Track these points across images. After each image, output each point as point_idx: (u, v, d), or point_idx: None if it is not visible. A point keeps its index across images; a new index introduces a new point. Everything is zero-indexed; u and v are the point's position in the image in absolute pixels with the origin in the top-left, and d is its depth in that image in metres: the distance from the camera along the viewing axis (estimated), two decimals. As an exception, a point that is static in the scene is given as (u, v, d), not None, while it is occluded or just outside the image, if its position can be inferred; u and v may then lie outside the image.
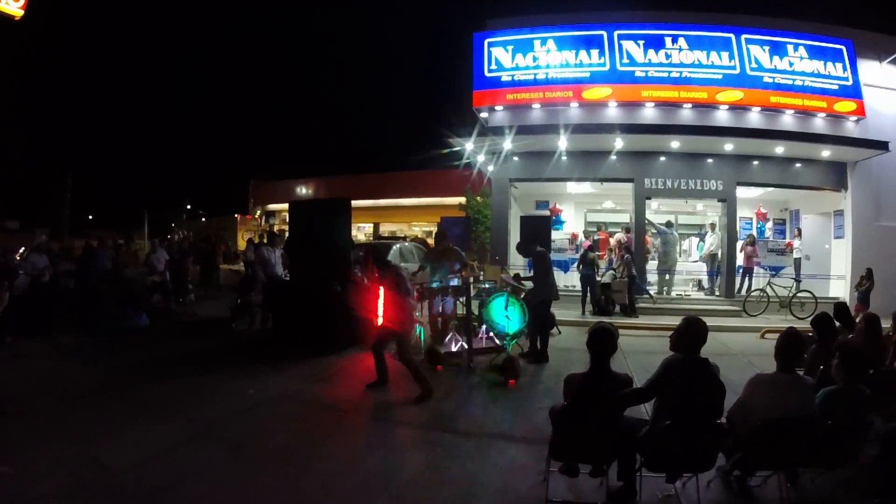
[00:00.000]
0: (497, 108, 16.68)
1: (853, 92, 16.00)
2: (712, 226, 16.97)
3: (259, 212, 43.04)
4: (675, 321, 4.38)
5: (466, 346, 8.98)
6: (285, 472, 4.91)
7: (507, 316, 9.07)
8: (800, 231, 17.11)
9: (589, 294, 14.21)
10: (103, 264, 13.45)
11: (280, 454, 5.28)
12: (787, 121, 15.95)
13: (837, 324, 6.47)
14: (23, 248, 16.07)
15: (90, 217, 61.69)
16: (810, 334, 5.94)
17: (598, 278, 14.29)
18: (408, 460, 5.27)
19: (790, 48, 16.00)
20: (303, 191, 38.69)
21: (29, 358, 9.08)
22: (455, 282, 9.91)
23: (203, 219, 53.85)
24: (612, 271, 14.59)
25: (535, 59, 16.43)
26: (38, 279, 11.57)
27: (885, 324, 6.40)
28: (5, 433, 5.23)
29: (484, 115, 16.77)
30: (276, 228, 37.69)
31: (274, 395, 7.22)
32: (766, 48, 15.91)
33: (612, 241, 16.88)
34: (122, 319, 11.76)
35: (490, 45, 16.77)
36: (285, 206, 32.84)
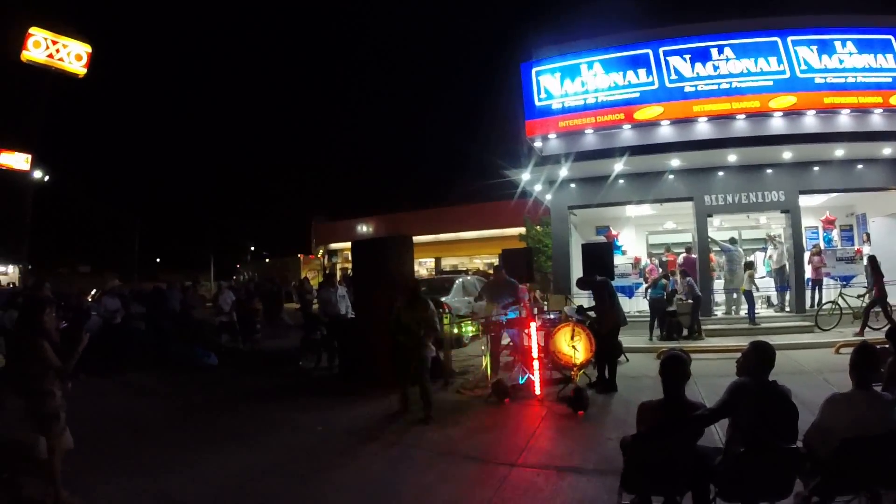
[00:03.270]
0: (550, 136, 16.69)
1: (908, 82, 15.38)
2: (772, 239, 16.51)
3: (322, 251, 43.84)
4: (744, 341, 4.33)
5: (533, 379, 8.94)
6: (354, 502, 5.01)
7: (573, 346, 9.01)
8: (868, 236, 16.39)
9: (657, 319, 13.99)
10: (173, 306, 13.98)
11: (349, 492, 5.38)
12: (844, 121, 15.35)
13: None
14: (94, 291, 16.83)
15: (158, 260, 63.93)
16: (886, 346, 5.77)
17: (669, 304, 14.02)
18: (477, 496, 5.25)
19: (838, 45, 15.46)
20: (363, 228, 39.32)
21: (101, 395, 9.58)
22: (514, 314, 9.92)
23: (267, 259, 55.16)
24: (676, 295, 14.29)
25: (583, 83, 16.42)
26: (111, 321, 12.12)
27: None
28: (76, 465, 5.41)
29: (538, 144, 16.79)
30: (338, 266, 38.38)
31: (342, 431, 7.39)
32: (814, 48, 15.43)
33: (677, 262, 16.60)
34: (192, 359, 12.19)
35: (538, 73, 16.85)
36: (347, 244, 33.52)
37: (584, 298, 12.91)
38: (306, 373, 11.72)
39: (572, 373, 9.06)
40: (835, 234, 17.89)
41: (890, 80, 15.30)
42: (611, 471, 4.92)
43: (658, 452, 4.01)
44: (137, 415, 8.34)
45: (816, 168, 15.59)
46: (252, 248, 62.91)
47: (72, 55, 19.71)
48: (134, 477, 5.66)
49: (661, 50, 15.99)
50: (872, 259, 13.29)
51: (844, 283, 14.51)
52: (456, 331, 13.00)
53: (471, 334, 14.22)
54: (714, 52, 15.75)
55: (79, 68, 19.94)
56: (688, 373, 4.26)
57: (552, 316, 10.72)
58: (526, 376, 9.30)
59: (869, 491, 4.18)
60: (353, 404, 8.72)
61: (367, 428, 7.52)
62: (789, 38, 15.46)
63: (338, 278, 21.39)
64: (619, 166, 15.20)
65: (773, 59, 15.46)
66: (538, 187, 16.79)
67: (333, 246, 43.23)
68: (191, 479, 5.61)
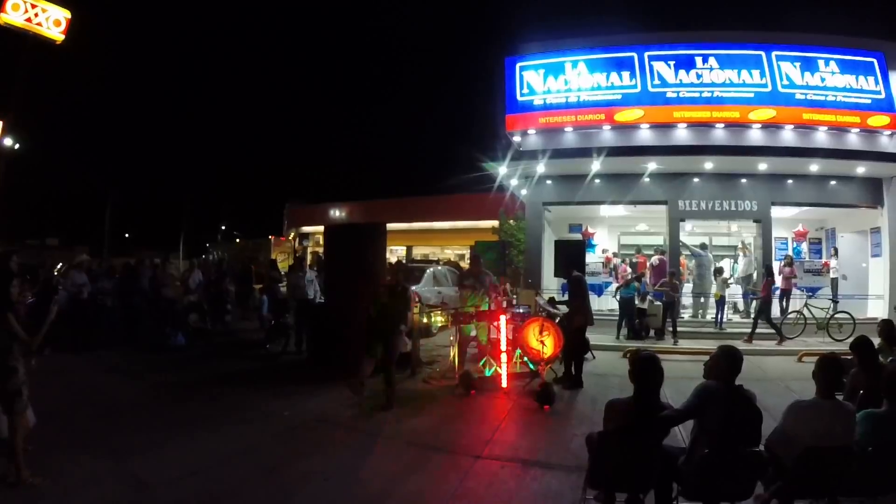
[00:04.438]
0: (530, 131, 16.74)
1: (887, 105, 15.74)
2: (743, 247, 16.80)
3: (293, 234, 43.48)
4: (711, 344, 4.38)
5: (500, 372, 8.98)
6: (321, 495, 4.98)
7: (541, 341, 9.03)
8: (836, 250, 16.70)
9: (626, 319, 14.13)
10: (143, 284, 13.76)
11: (314, 477, 5.34)
12: (821, 138, 15.72)
13: (878, 342, 6.39)
14: (60, 265, 16.48)
15: (127, 235, 62.87)
16: (849, 357, 5.88)
17: (638, 303, 14.16)
18: (441, 487, 5.22)
19: (821, 63, 15.83)
20: (336, 214, 38.99)
21: (68, 372, 9.39)
22: (485, 306, 9.93)
23: (238, 240, 54.59)
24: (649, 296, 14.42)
25: (566, 82, 16.51)
26: (77, 296, 11.89)
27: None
28: (39, 444, 5.32)
29: (517, 138, 16.82)
30: (310, 250, 38.03)
31: (310, 417, 7.33)
32: (797, 64, 15.77)
33: (649, 264, 16.77)
34: (161, 338, 12.03)
35: (522, 69, 16.90)
36: (319, 228, 33.20)
37: (553, 294, 13.04)
38: (274, 357, 11.61)
39: (539, 367, 9.09)
40: (804, 246, 18.21)
41: (869, 101, 15.71)
42: (576, 466, 4.96)
43: (625, 451, 4.03)
44: (104, 394, 8.17)
45: (790, 181, 15.90)
46: (223, 228, 62.26)
47: (50, 20, 19.19)
48: (99, 457, 5.54)
49: (646, 54, 16.14)
50: (768, 267, 14.23)
51: (811, 294, 14.81)
52: (425, 320, 12.98)
53: (439, 325, 14.22)
54: (699, 60, 15.95)
55: (56, 34, 19.43)
56: (661, 376, 4.30)
57: (521, 310, 10.73)
58: (493, 369, 9.32)
59: (828, 498, 4.27)
60: (321, 391, 8.63)
61: (335, 415, 7.46)
62: (773, 53, 15.76)
63: (308, 262, 21.26)
64: (596, 166, 15.30)
65: (756, 72, 15.74)
66: (514, 182, 16.83)
67: (306, 229, 42.79)
68: (158, 462, 5.51)
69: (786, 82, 15.67)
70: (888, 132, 15.76)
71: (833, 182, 15.90)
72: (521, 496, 5.07)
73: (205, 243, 56.74)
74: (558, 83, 16.55)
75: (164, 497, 4.83)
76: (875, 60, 15.91)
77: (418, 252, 37.58)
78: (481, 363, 9.68)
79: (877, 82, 15.79)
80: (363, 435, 6.74)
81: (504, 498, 5.02)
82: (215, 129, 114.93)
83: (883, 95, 15.76)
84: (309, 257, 29.88)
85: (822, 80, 15.75)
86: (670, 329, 13.72)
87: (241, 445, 6.15)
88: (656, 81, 15.99)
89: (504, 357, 8.93)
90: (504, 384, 8.83)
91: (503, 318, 9.08)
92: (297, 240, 43.01)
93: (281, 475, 5.39)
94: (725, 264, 17.25)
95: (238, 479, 5.24)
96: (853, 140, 15.82)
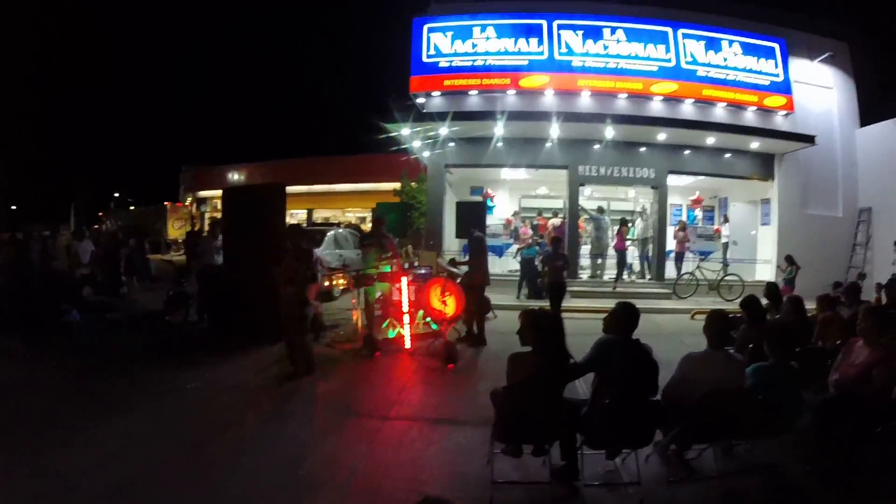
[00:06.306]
0: (434, 94, 16.63)
1: (784, 88, 16.75)
2: (642, 212, 17.44)
3: (190, 199, 41.84)
4: (607, 304, 4.49)
5: (403, 333, 8.97)
6: (237, 464, 4.84)
7: (444, 301, 9.07)
8: (727, 218, 17.68)
9: (527, 280, 14.36)
10: (33, 258, 12.86)
11: (228, 448, 5.18)
12: (719, 113, 16.52)
13: (765, 302, 6.76)
14: None
15: (14, 208, 58.73)
16: (739, 315, 6.17)
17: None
18: (353, 449, 5.17)
19: (725, 44, 16.56)
20: (235, 177, 37.76)
21: None
22: (388, 268, 9.85)
23: (132, 207, 52.11)
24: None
25: (473, 45, 16.46)
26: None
27: (810, 305, 6.68)
28: None
29: (421, 100, 16.70)
30: (207, 216, 36.79)
31: (221, 387, 7.03)
32: (702, 43, 16.41)
33: (549, 225, 17.11)
34: (55, 315, 11.22)
35: (430, 30, 16.71)
36: (217, 192, 31.98)
37: (454, 255, 13.11)
38: (176, 328, 11.08)
39: (442, 327, 9.13)
40: (698, 212, 19.07)
41: (768, 82, 16.71)
42: (482, 421, 4.94)
43: (528, 403, 4.07)
44: (1, 382, 7.53)
45: (688, 152, 16.56)
46: (116, 195, 59.16)
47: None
48: (7, 452, 5.02)
49: (555, 22, 16.32)
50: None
51: (703, 257, 15.56)
52: (327, 284, 12.76)
53: (341, 288, 14.04)
54: (606, 31, 16.29)
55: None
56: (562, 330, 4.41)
57: (423, 271, 10.73)
58: (396, 330, 9.29)
59: (722, 441, 4.49)
60: (228, 359, 8.30)
61: (245, 384, 7.20)
62: (680, 31, 16.38)
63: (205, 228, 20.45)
64: (499, 130, 15.39)
65: (661, 47, 16.27)
66: (418, 143, 16.67)
67: (203, 194, 41.21)
68: (72, 451, 5.07)
69: (689, 59, 16.30)
70: (783, 112, 16.82)
71: (728, 155, 16.72)
72: (430, 453, 5.05)
73: (97, 212, 53.82)
74: (465, 46, 16.47)
75: (86, 486, 4.44)
76: (777, 46, 16.89)
77: (319, 215, 36.90)
78: (384, 325, 9.63)
79: (776, 66, 16.79)
80: (276, 402, 6.56)
81: (414, 456, 5.00)
82: (106, 89, 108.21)
83: (781, 78, 16.76)
84: (206, 223, 28.88)
85: (725, 59, 16.51)
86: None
87: (158, 424, 5.80)
88: (563, 49, 16.19)
89: (407, 318, 8.91)
90: (408, 345, 8.85)
91: (405, 280, 9.02)
92: (195, 205, 41.43)
93: (202, 448, 5.16)
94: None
95: (158, 459, 4.94)
96: (750, 117, 16.74)
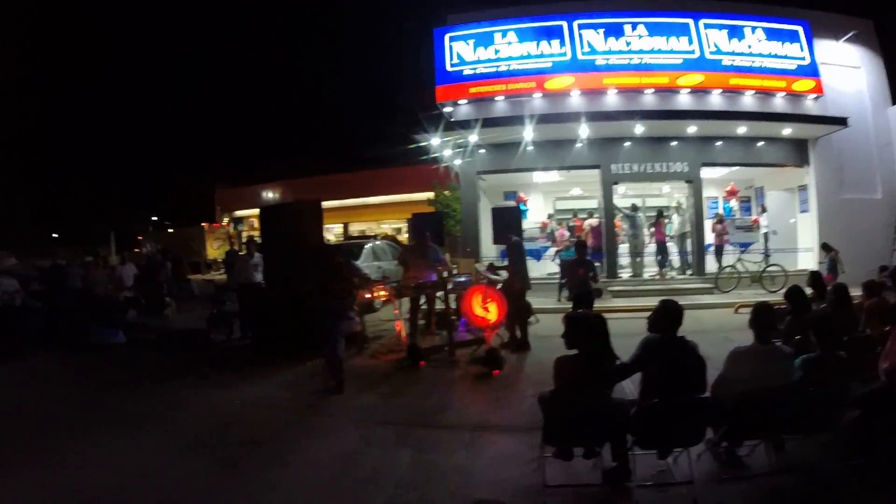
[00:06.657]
0: (461, 102, 16.71)
1: (811, 71, 16.41)
2: (678, 207, 17.21)
3: (227, 219, 42.40)
4: (650, 302, 4.49)
5: (448, 341, 9.01)
6: (277, 479, 4.86)
7: (486, 308, 9.08)
8: (764, 207, 17.43)
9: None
10: (73, 283, 13.18)
11: (268, 462, 5.22)
12: (748, 101, 16.28)
13: (810, 292, 6.65)
14: None
15: (54, 236, 60.09)
16: (784, 306, 6.09)
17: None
18: (397, 459, 5.16)
19: (748, 31, 16.32)
20: (269, 195, 38.19)
21: None
22: (433, 278, 9.92)
23: (170, 230, 52.99)
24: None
25: (496, 51, 16.50)
26: (10, 304, 11.30)
27: (855, 292, 6.56)
28: None
29: (448, 109, 16.75)
30: (244, 234, 37.25)
31: (258, 404, 7.11)
32: (725, 31, 16.21)
33: (585, 226, 17.03)
34: (96, 338, 11.49)
35: (451, 39, 16.79)
36: (253, 211, 32.42)
37: (491, 261, 13.14)
38: (217, 346, 11.24)
39: (486, 333, 9.14)
40: (734, 204, 18.81)
41: (794, 67, 16.38)
42: (530, 426, 4.95)
43: (576, 405, 4.10)
44: (38, 402, 7.44)
45: (719, 143, 16.35)
46: (154, 219, 60.23)
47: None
48: (37, 470, 5.10)
49: (575, 23, 16.25)
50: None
51: (743, 249, 15.32)
52: (368, 296, 12.86)
53: (382, 299, 14.12)
54: (628, 28, 16.17)
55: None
56: (600, 332, 4.45)
57: (463, 279, 10.76)
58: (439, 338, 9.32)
59: (773, 437, 4.45)
60: (267, 376, 8.40)
61: (285, 399, 7.30)
62: (701, 21, 16.18)
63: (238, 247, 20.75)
64: (528, 134, 15.36)
65: (683, 39, 16.09)
66: (448, 152, 16.74)
67: (239, 213, 41.80)
68: (101, 469, 5.10)
69: (713, 49, 16.10)
70: (813, 96, 16.47)
71: (760, 143, 16.45)
72: (478, 460, 5.08)
73: (136, 236, 54.80)
74: (488, 53, 16.53)
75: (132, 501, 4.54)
76: (801, 28, 16.56)
77: (355, 228, 37.16)
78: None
79: (802, 49, 16.45)
80: (318, 415, 6.62)
81: (462, 463, 5.01)
82: (137, 114, 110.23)
83: (808, 61, 16.43)
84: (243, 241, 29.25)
85: (749, 46, 16.25)
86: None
87: (191, 440, 5.85)
88: (586, 49, 16.13)
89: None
90: (452, 353, 8.91)
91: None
92: (232, 224, 42.00)
93: (237, 467, 5.16)
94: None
95: (191, 477, 4.95)
96: (779, 103, 16.44)
